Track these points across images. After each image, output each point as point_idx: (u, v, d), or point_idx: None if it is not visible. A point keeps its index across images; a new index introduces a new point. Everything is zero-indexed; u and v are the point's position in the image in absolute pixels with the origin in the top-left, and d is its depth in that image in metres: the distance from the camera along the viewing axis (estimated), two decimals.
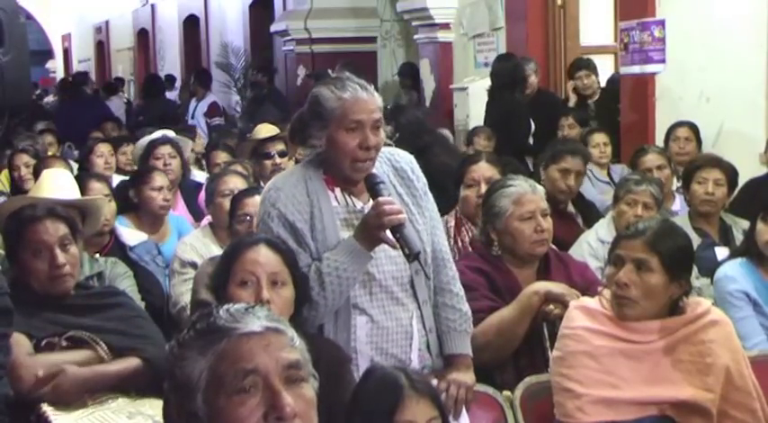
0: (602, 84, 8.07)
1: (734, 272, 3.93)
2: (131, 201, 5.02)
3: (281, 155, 5.45)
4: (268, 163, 5.41)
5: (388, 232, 2.89)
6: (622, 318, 3.05)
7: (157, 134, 6.29)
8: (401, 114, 6.58)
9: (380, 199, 2.91)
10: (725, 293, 3.88)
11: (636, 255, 3.03)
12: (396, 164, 3.15)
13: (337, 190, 3.05)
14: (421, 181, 3.18)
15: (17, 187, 6.59)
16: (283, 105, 10.78)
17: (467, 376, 3.16)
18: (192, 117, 11.42)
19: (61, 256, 3.14)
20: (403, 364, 3.03)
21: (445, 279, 3.19)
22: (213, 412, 1.71)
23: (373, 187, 2.97)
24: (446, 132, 8.20)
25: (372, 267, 3.01)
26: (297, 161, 6.36)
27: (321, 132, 2.98)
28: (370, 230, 2.90)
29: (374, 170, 3.03)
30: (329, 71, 10.59)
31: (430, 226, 3.15)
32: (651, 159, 5.55)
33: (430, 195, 3.22)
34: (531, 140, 7.50)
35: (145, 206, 4.97)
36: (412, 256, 2.87)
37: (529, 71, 7.99)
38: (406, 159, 3.20)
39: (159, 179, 5.00)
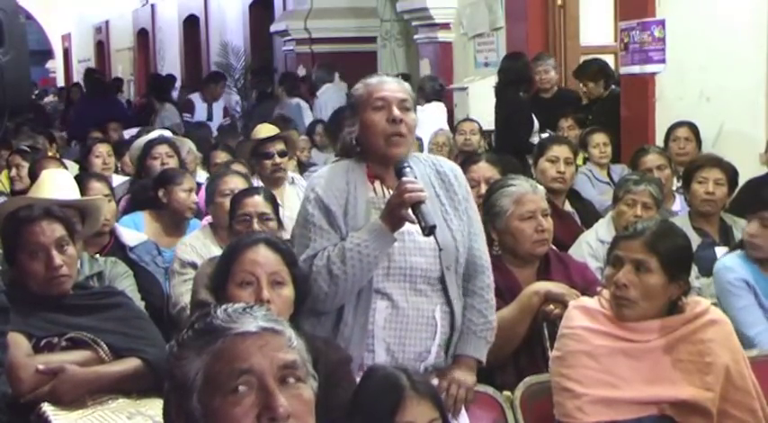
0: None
1: (732, 262, 3.99)
2: (150, 198, 5.00)
3: (281, 155, 5.44)
4: (268, 163, 5.41)
5: (409, 210, 2.96)
6: (621, 318, 3.05)
7: (155, 134, 6.29)
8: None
9: (403, 179, 3.01)
10: (725, 283, 3.92)
11: (635, 255, 3.03)
12: (439, 168, 3.26)
13: (377, 182, 3.17)
14: (463, 187, 3.26)
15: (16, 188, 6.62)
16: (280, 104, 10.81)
17: (468, 376, 3.17)
18: (211, 119, 11.45)
19: (58, 258, 3.13)
20: (419, 356, 3.07)
21: (480, 284, 3.23)
22: (208, 412, 1.71)
23: (399, 170, 3.06)
24: (446, 131, 8.25)
25: (400, 256, 3.08)
26: (298, 161, 6.39)
27: (354, 119, 3.15)
28: (393, 209, 2.99)
29: (416, 170, 3.12)
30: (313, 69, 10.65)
31: (468, 231, 3.20)
32: (651, 159, 5.55)
33: (473, 203, 3.30)
34: (536, 138, 7.52)
35: (174, 207, 4.93)
36: (427, 228, 2.93)
37: (547, 67, 8.03)
38: (451, 166, 3.32)
39: (189, 182, 4.99)
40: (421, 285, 3.10)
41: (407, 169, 3.05)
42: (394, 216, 2.99)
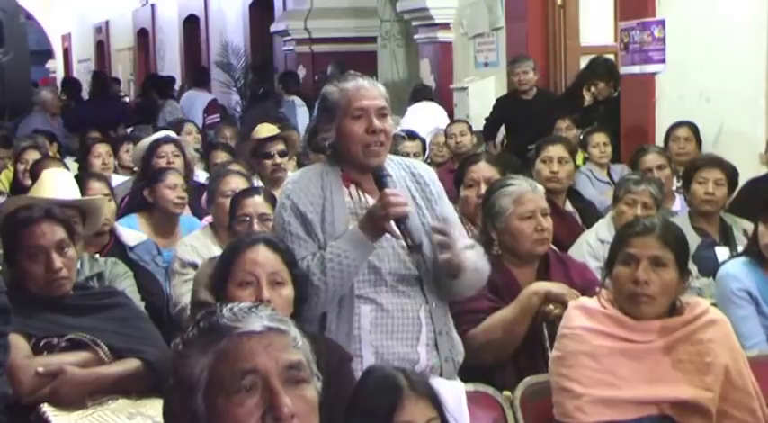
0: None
1: (736, 270, 3.94)
2: (146, 200, 5.00)
3: (282, 155, 5.45)
4: (268, 162, 5.42)
5: (392, 223, 2.94)
6: (639, 316, 3.04)
7: (160, 134, 6.30)
8: None
9: (387, 190, 2.97)
10: (727, 292, 3.89)
11: (652, 252, 3.03)
12: (414, 170, 3.23)
13: (352, 187, 3.12)
14: (437, 186, 3.24)
15: (18, 185, 6.62)
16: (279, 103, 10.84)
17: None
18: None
19: (58, 261, 3.12)
20: (407, 357, 3.06)
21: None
22: (212, 411, 1.71)
23: (380, 179, 3.02)
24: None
25: (379, 262, 3.06)
26: (298, 161, 6.38)
27: (330, 125, 3.08)
28: (375, 221, 2.96)
29: (390, 172, 3.09)
30: (329, 69, 10.68)
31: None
32: (651, 159, 5.55)
33: (446, 200, 3.28)
34: None
35: (159, 204, 4.93)
36: (414, 247, 2.92)
37: (526, 69, 8.04)
38: (425, 168, 3.30)
39: (173, 177, 4.98)
40: (402, 287, 3.09)
41: (388, 178, 3.02)
42: (375, 227, 2.96)
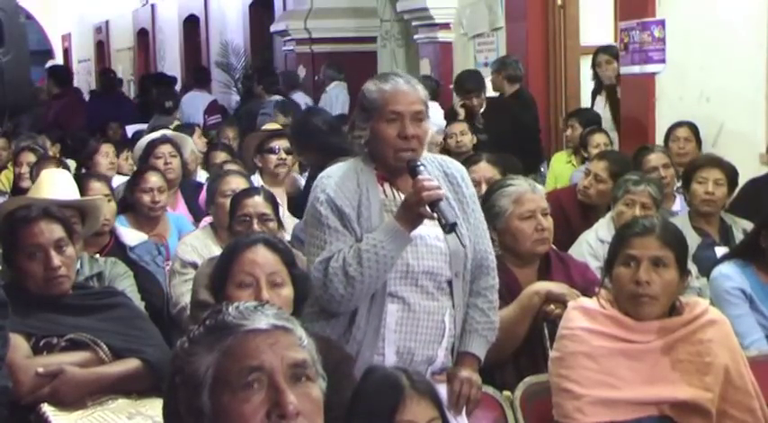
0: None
1: (729, 270, 3.96)
2: (128, 201, 5.05)
3: (287, 152, 5.49)
4: (273, 157, 5.45)
5: (426, 207, 2.96)
6: (641, 317, 3.05)
7: (156, 134, 6.30)
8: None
9: (419, 177, 2.99)
10: (721, 291, 3.90)
11: (653, 252, 3.04)
12: (447, 169, 3.24)
13: (386, 184, 3.15)
14: (470, 189, 3.26)
15: (17, 187, 6.62)
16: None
17: (474, 374, 3.19)
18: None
19: (56, 258, 3.12)
20: (428, 360, 3.10)
21: (484, 285, 3.23)
22: (218, 408, 1.72)
23: (413, 169, 3.03)
24: (443, 131, 8.27)
25: (413, 260, 3.07)
26: (300, 163, 6.39)
27: (365, 124, 3.10)
28: (410, 208, 2.98)
29: (428, 169, 3.10)
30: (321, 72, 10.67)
31: (474, 234, 3.20)
32: (656, 158, 5.53)
33: (478, 204, 3.29)
34: None
35: (137, 207, 5.00)
36: (448, 226, 2.92)
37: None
38: (457, 167, 3.29)
39: (151, 180, 5.00)
40: (431, 289, 3.11)
41: (421, 167, 3.03)
42: (412, 214, 2.98)
